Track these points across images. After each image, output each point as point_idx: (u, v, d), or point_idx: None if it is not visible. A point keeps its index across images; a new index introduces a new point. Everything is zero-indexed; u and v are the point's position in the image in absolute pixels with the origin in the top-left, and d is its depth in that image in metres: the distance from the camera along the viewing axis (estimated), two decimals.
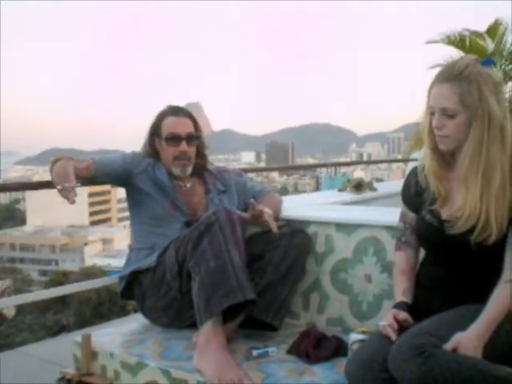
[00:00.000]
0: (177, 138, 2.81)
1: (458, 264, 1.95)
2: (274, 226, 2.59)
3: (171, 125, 2.83)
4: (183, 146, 2.81)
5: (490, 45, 8.51)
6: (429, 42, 8.80)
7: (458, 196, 1.95)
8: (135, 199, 2.84)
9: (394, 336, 1.83)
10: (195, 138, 2.88)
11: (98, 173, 2.77)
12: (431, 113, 1.96)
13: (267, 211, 2.63)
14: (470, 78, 1.89)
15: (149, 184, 2.79)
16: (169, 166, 2.83)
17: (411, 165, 2.63)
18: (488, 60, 1.99)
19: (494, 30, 8.52)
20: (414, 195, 2.12)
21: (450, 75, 1.92)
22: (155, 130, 2.87)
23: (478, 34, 8.61)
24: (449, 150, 1.96)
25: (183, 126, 2.85)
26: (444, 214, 1.97)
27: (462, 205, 1.90)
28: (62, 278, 30.92)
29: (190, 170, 2.86)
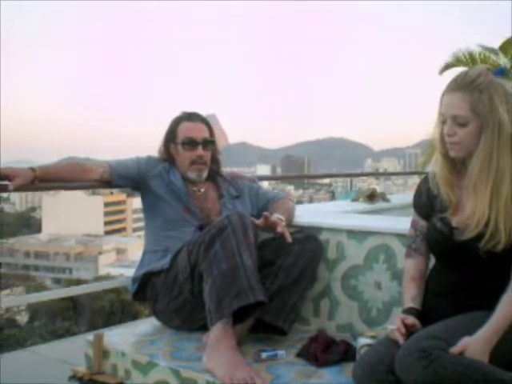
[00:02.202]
0: (193, 143, 2.86)
1: (468, 271, 1.96)
2: (288, 237, 2.61)
3: (187, 130, 2.88)
4: (199, 150, 2.86)
5: (501, 60, 8.55)
6: (441, 72, 8.87)
7: (467, 204, 1.97)
8: (150, 203, 2.88)
9: (401, 340, 1.85)
10: (210, 143, 2.92)
11: (114, 176, 2.82)
12: (442, 121, 1.98)
13: (281, 222, 2.65)
14: (482, 87, 1.91)
15: (163, 188, 2.83)
16: (184, 171, 2.87)
17: None
18: (500, 70, 2.02)
19: (506, 46, 8.56)
20: (425, 202, 2.13)
21: (461, 84, 1.95)
22: (171, 136, 2.91)
23: (491, 50, 8.65)
24: (459, 157, 1.98)
25: (199, 131, 2.89)
26: (454, 222, 1.99)
27: (472, 212, 1.92)
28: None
29: (205, 174, 2.90)
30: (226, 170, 3.09)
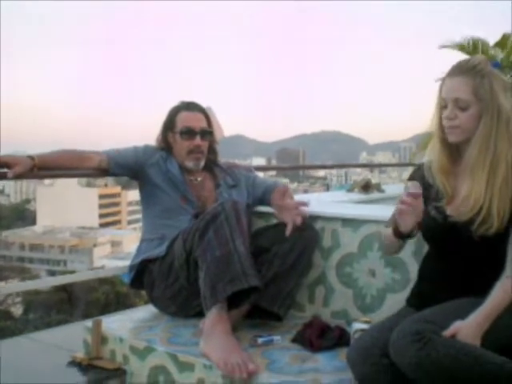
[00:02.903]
0: (191, 132, 2.89)
1: (461, 257, 1.99)
2: (298, 221, 2.64)
3: (186, 119, 2.91)
4: (197, 139, 2.89)
5: (499, 55, 8.58)
6: (441, 47, 8.84)
7: (463, 188, 1.99)
8: (147, 191, 2.91)
9: (406, 207, 1.92)
10: (208, 133, 2.95)
11: (111, 164, 2.83)
12: (442, 106, 2.01)
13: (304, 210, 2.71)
14: (483, 72, 1.96)
15: (160, 177, 2.85)
16: (182, 160, 2.90)
17: None
18: (496, 63, 2.07)
19: (503, 42, 8.60)
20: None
21: (463, 68, 1.99)
22: (169, 125, 2.94)
23: (487, 45, 8.69)
24: (458, 141, 2.00)
25: (198, 121, 2.92)
26: (449, 211, 2.01)
27: (467, 195, 1.95)
28: None
29: (202, 163, 2.93)
30: (221, 159, 3.12)
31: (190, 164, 2.90)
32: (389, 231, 2.11)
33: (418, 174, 2.17)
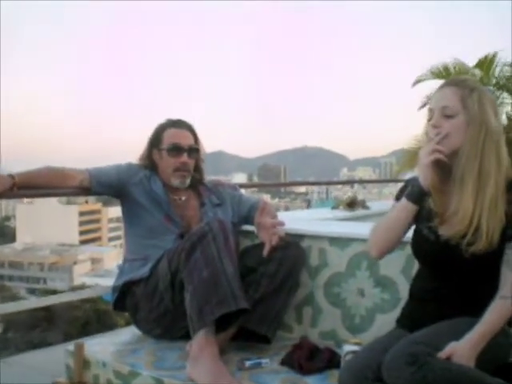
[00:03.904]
0: (179, 149, 2.83)
1: (453, 277, 1.96)
2: (267, 250, 2.59)
3: (173, 136, 2.86)
4: (184, 157, 2.83)
5: (477, 73, 8.66)
6: (415, 84, 8.97)
7: (452, 204, 1.96)
8: (130, 211, 2.84)
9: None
10: (195, 150, 2.90)
11: (94, 183, 2.77)
12: (430, 118, 1.98)
13: (278, 232, 2.63)
14: (472, 86, 1.96)
15: (144, 196, 2.79)
16: (168, 178, 2.84)
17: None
18: (489, 89, 2.07)
19: (483, 64, 8.69)
20: None
21: (452, 81, 2.00)
22: (155, 141, 2.88)
23: (463, 66, 8.78)
24: (445, 154, 1.95)
25: (185, 138, 2.87)
26: (441, 231, 1.98)
27: (456, 208, 1.91)
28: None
29: (188, 181, 2.88)
30: (206, 177, 3.07)
31: (175, 182, 2.84)
32: (397, 210, 2.05)
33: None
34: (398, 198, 2.16)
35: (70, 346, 2.59)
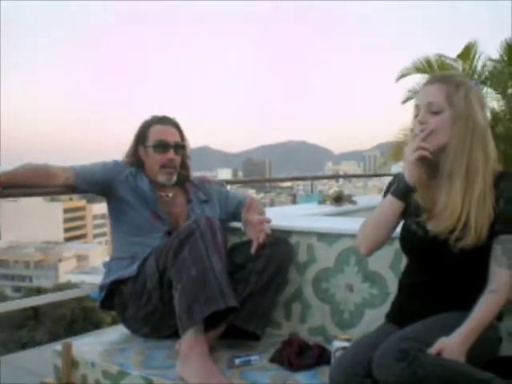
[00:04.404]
0: (165, 146, 2.82)
1: (442, 271, 1.95)
2: (254, 248, 2.57)
3: (159, 133, 2.84)
4: (170, 153, 2.82)
5: (460, 67, 8.68)
6: (398, 79, 8.98)
7: (441, 200, 1.96)
8: (116, 208, 2.82)
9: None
10: (181, 147, 2.88)
11: (79, 181, 2.74)
12: (416, 114, 1.98)
13: (265, 230, 2.60)
14: (459, 82, 1.95)
15: (130, 193, 2.77)
16: (154, 174, 2.82)
17: (388, 180, 2.63)
18: (475, 83, 2.07)
19: (466, 54, 8.70)
20: None
21: (438, 77, 2.00)
22: (141, 138, 2.86)
23: (449, 58, 8.79)
24: (432, 150, 1.94)
25: (171, 135, 2.86)
26: (430, 226, 1.98)
27: (445, 204, 1.91)
28: (36, 294, 30.51)
29: (175, 178, 2.86)
30: (193, 174, 3.05)
31: (162, 179, 2.82)
32: (383, 206, 2.04)
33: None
34: (385, 194, 2.15)
35: (58, 346, 2.57)
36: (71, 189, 2.80)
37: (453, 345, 1.72)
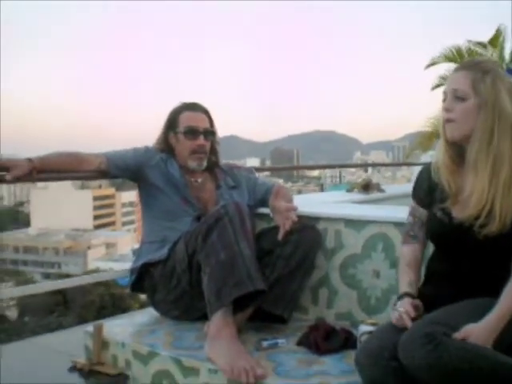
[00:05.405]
0: (195, 132, 2.86)
1: (468, 258, 1.96)
2: (282, 233, 2.60)
3: (189, 119, 2.88)
4: (201, 139, 2.86)
5: (489, 52, 8.59)
6: (427, 67, 8.90)
7: (467, 186, 1.97)
8: (147, 193, 2.87)
9: (409, 323, 1.84)
10: (211, 133, 2.92)
11: (111, 166, 2.79)
12: (443, 101, 1.99)
13: (292, 217, 2.62)
14: (487, 69, 1.95)
15: (160, 178, 2.81)
16: (184, 160, 2.87)
17: (416, 170, 2.64)
18: (509, 70, 2.05)
19: (495, 40, 8.60)
20: (425, 191, 2.12)
21: (466, 64, 2.01)
22: (171, 125, 2.90)
23: (479, 44, 8.70)
24: (455, 137, 1.96)
25: (201, 121, 2.90)
26: (454, 212, 1.99)
27: (470, 191, 1.92)
28: None
29: (205, 163, 2.90)
30: (222, 161, 3.09)
31: (192, 164, 2.86)
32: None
33: (426, 175, 2.14)
34: (414, 195, 2.18)
35: (89, 327, 2.63)
36: (102, 173, 2.84)
37: (480, 332, 1.72)
